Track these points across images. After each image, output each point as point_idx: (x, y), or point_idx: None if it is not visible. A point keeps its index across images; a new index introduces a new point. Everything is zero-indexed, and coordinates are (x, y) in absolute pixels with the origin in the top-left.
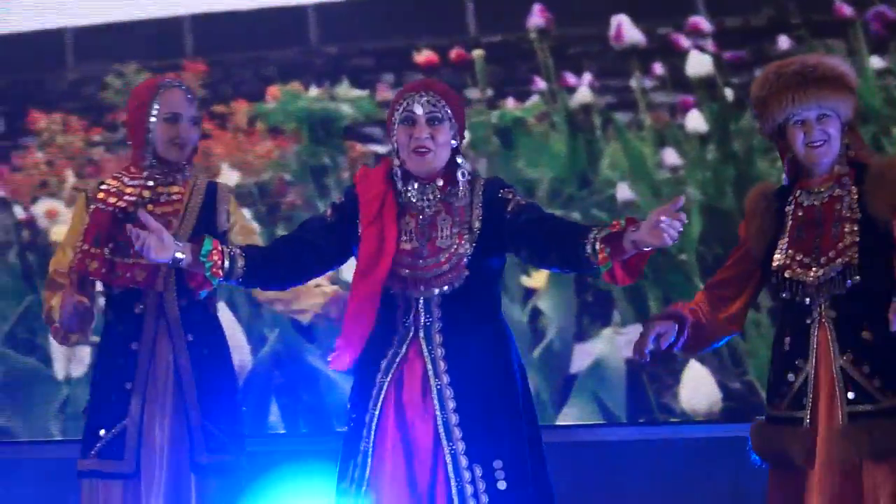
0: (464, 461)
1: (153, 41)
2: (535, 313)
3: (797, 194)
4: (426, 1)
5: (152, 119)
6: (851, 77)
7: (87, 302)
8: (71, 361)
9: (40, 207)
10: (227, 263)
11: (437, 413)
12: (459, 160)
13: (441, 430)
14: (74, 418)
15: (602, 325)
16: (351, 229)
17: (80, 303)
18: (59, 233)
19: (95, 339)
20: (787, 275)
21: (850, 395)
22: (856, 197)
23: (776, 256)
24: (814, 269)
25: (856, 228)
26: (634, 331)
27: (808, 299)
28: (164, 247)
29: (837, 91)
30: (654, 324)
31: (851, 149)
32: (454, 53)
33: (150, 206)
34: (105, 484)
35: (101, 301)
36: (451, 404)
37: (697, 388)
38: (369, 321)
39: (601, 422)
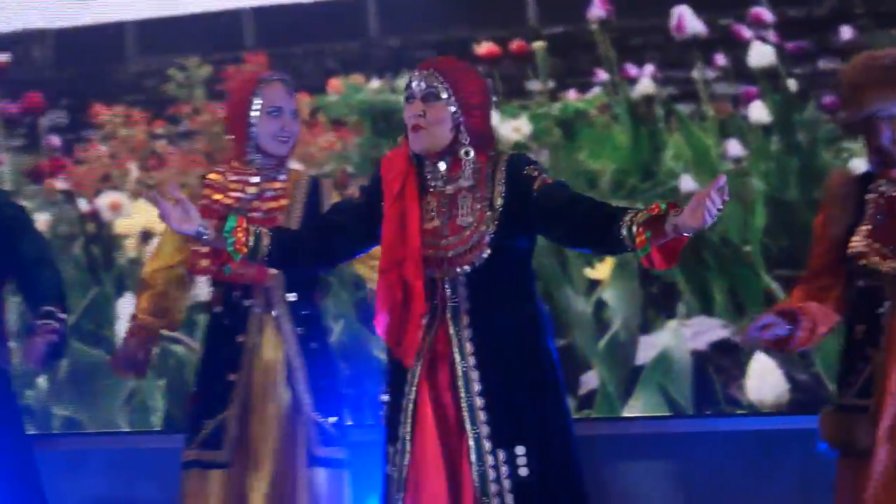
0: (486, 445)
1: (214, 34)
2: (600, 305)
3: (880, 184)
4: None
5: (254, 114)
6: None
7: (142, 356)
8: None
9: (104, 200)
10: (251, 241)
11: (462, 396)
12: (463, 139)
13: (465, 413)
14: (140, 410)
15: (667, 317)
16: (378, 210)
17: (136, 356)
18: (122, 225)
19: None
20: (862, 262)
21: None
22: None
23: (854, 242)
24: (889, 259)
25: None
26: (699, 323)
27: (882, 289)
28: (188, 218)
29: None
30: (764, 315)
31: None
32: (515, 45)
33: (255, 203)
34: (205, 473)
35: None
36: (476, 387)
37: (764, 379)
38: (397, 302)
39: (667, 414)
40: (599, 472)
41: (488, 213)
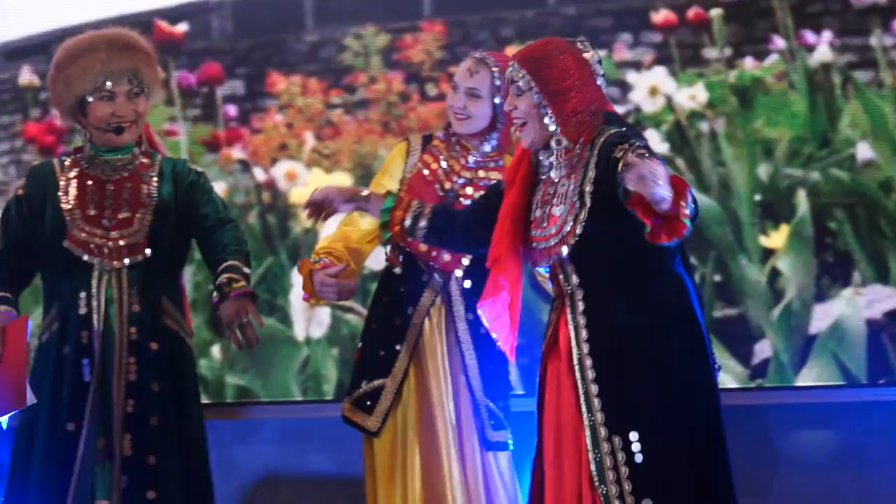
0: (602, 432)
1: (392, 2)
2: (774, 274)
3: None
4: None
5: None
6: None
7: (353, 280)
8: (311, 323)
9: (280, 169)
10: (408, 222)
11: (579, 383)
12: (551, 127)
13: (582, 400)
14: (314, 378)
15: (842, 286)
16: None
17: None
18: (298, 195)
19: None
20: None
21: None
22: None
23: None
24: None
25: None
26: (874, 291)
27: None
28: (343, 194)
29: None
30: None
31: None
32: (692, 13)
33: (467, 189)
34: (374, 443)
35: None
36: (590, 374)
37: None
38: (498, 294)
39: (841, 383)
40: (773, 443)
41: (576, 201)
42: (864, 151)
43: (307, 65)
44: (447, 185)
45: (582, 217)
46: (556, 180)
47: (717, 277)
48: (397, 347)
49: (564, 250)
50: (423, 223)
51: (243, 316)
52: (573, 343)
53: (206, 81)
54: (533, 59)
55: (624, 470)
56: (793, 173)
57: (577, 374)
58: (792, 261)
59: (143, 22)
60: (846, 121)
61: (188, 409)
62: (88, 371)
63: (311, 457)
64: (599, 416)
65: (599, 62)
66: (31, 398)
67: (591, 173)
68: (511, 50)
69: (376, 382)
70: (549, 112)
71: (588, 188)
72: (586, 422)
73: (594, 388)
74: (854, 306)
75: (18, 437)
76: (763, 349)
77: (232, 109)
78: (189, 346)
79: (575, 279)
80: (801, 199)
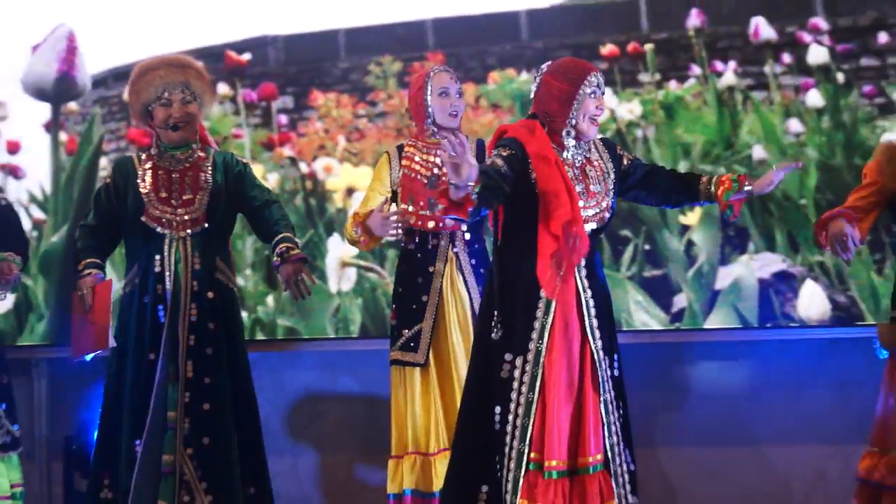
0: (601, 354)
1: (404, 38)
2: (689, 244)
3: None
4: (609, 6)
5: (428, 97)
6: None
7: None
8: (341, 279)
9: (319, 164)
10: (476, 189)
11: (586, 320)
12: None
13: (588, 331)
14: (343, 321)
15: (740, 253)
16: (525, 169)
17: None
18: (332, 183)
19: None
20: None
21: None
22: None
23: None
24: None
25: None
26: (764, 258)
27: None
28: (465, 168)
29: None
30: (845, 232)
31: None
32: (630, 47)
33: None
34: (405, 370)
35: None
36: (594, 312)
37: (812, 300)
38: (559, 251)
39: (738, 326)
40: (687, 371)
41: (610, 183)
42: (758, 152)
43: (340, 85)
44: (427, 174)
45: (612, 197)
46: (581, 164)
47: (647, 247)
48: (424, 298)
49: (601, 223)
50: (477, 190)
51: (299, 275)
52: (581, 289)
53: (264, 97)
54: (559, 69)
55: (610, 382)
56: (705, 168)
57: (585, 313)
58: (702, 234)
59: (216, 52)
60: (745, 129)
61: (236, 342)
62: (162, 314)
63: (340, 379)
64: (599, 343)
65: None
66: (111, 342)
67: (610, 164)
68: (494, 75)
69: (415, 328)
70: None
71: (612, 176)
72: (592, 347)
73: (595, 322)
74: (749, 269)
75: (110, 366)
76: (680, 300)
77: (283, 118)
78: (236, 295)
79: (592, 250)
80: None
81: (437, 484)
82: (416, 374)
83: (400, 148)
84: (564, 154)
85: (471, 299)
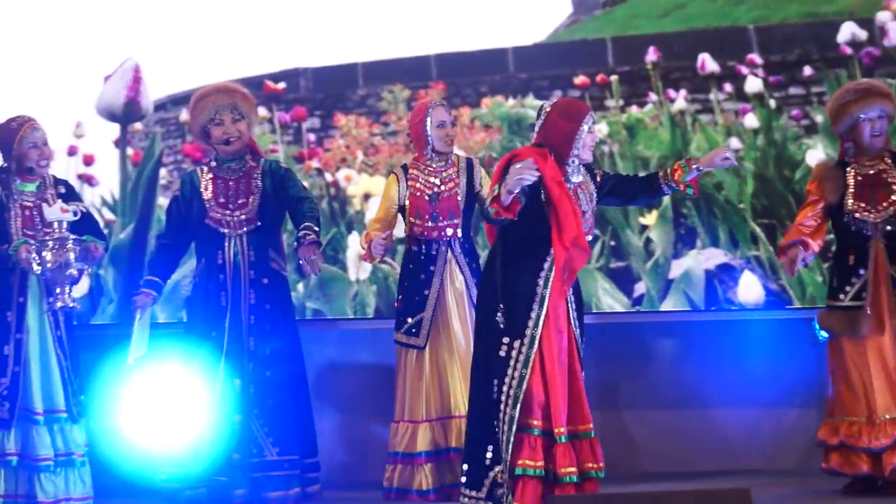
0: (580, 339)
1: (411, 70)
2: (648, 240)
3: (856, 166)
4: (581, 44)
5: (428, 129)
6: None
7: (391, 242)
8: (359, 269)
9: (341, 174)
10: (503, 201)
11: (570, 312)
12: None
13: (571, 320)
14: (360, 304)
15: (689, 249)
16: (537, 193)
17: (386, 241)
18: (352, 190)
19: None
20: (856, 216)
21: None
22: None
23: (848, 203)
24: (872, 213)
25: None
26: (709, 252)
27: (868, 231)
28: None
29: (890, 101)
30: (798, 255)
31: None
32: (599, 77)
33: (442, 187)
34: (409, 351)
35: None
36: (574, 305)
37: (749, 287)
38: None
39: (688, 309)
40: (646, 348)
41: (594, 203)
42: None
43: (358, 109)
44: (429, 192)
45: (592, 214)
46: (573, 186)
47: (612, 243)
48: (425, 292)
49: (590, 236)
50: (510, 199)
51: (312, 255)
52: (569, 295)
53: (296, 119)
54: (564, 108)
55: (583, 351)
56: (671, 187)
57: (569, 306)
58: (658, 232)
59: (256, 82)
60: (694, 146)
61: (289, 319)
62: (224, 299)
63: (357, 353)
64: (577, 331)
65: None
66: (132, 357)
67: (592, 185)
68: (486, 100)
69: (418, 317)
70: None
71: (595, 196)
72: (575, 332)
73: (576, 314)
74: (697, 261)
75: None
76: (640, 288)
77: (311, 136)
78: (286, 279)
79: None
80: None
81: (421, 447)
82: (414, 354)
83: (405, 168)
84: (569, 179)
85: (468, 291)
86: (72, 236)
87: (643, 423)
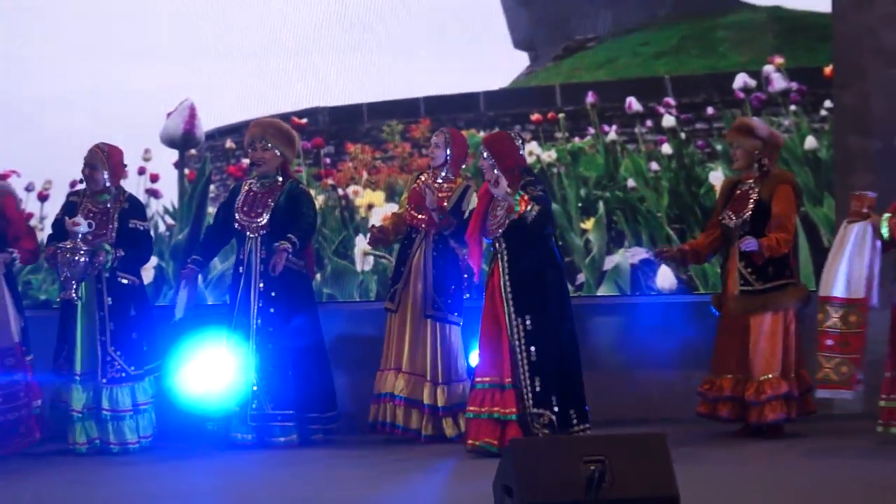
0: (513, 315)
1: (404, 109)
2: (587, 241)
3: (740, 185)
4: (535, 89)
5: (459, 160)
6: (756, 127)
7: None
8: (364, 263)
9: (350, 189)
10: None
11: (504, 293)
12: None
13: (505, 299)
14: (364, 290)
15: (619, 247)
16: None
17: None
18: (358, 202)
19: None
20: (724, 220)
21: (742, 281)
22: (757, 187)
23: (723, 214)
24: (734, 218)
25: (751, 203)
26: (634, 251)
27: (730, 233)
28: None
29: (742, 135)
30: (670, 258)
31: (765, 164)
32: (550, 115)
33: (441, 194)
34: (388, 315)
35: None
36: (509, 287)
37: (664, 277)
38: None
39: (617, 294)
40: (586, 324)
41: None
42: (631, 183)
43: (364, 139)
44: (428, 192)
45: (508, 218)
46: (500, 199)
47: (560, 242)
48: (401, 269)
49: (500, 231)
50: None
51: (277, 259)
52: (502, 274)
53: (315, 146)
54: (491, 142)
55: (522, 333)
56: (597, 194)
57: (503, 290)
58: (595, 235)
59: (285, 117)
60: (622, 168)
61: (299, 305)
62: (240, 287)
63: (362, 326)
64: (512, 307)
65: (522, 143)
66: (178, 315)
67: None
68: (463, 132)
69: (394, 288)
70: (498, 166)
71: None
72: (505, 308)
73: (510, 293)
74: (624, 257)
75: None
76: (580, 278)
77: (327, 160)
78: (299, 274)
79: (503, 246)
80: (601, 206)
81: (394, 390)
82: (391, 317)
83: (419, 174)
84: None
85: (424, 274)
86: (83, 247)
87: (585, 383)
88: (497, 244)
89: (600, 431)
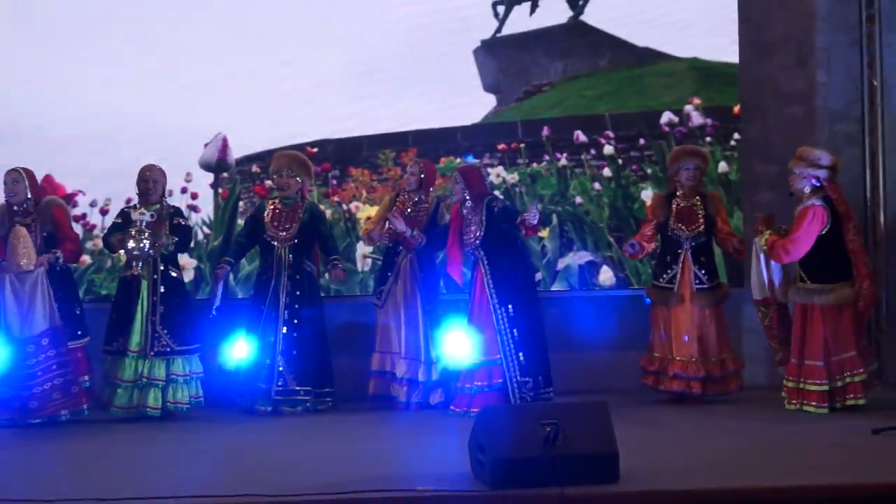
0: (496, 304)
1: (395, 140)
2: (543, 247)
3: (677, 200)
4: (501, 125)
5: (430, 187)
6: (706, 154)
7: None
8: (363, 264)
9: (352, 205)
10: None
11: (488, 288)
12: (470, 196)
13: (487, 290)
14: (364, 286)
15: (569, 251)
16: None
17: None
18: (360, 215)
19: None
20: (675, 232)
21: (696, 280)
22: (701, 204)
23: (671, 223)
24: (686, 231)
25: (702, 217)
26: (581, 254)
27: (682, 242)
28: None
29: (700, 159)
30: (637, 250)
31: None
32: (513, 145)
33: (415, 211)
34: (378, 309)
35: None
36: (492, 284)
37: (605, 275)
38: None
39: (566, 289)
40: (543, 313)
41: (480, 224)
42: (578, 200)
43: (363, 164)
44: (406, 212)
45: (482, 231)
46: (470, 217)
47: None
48: (388, 274)
49: (476, 243)
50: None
51: (338, 276)
52: (484, 274)
53: (324, 170)
54: (465, 172)
55: (506, 318)
56: (551, 208)
57: (487, 286)
58: (550, 242)
59: (300, 147)
60: (572, 187)
61: (314, 300)
62: (270, 286)
63: (361, 316)
64: (496, 298)
65: (487, 174)
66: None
67: (485, 214)
68: (443, 159)
69: (381, 288)
70: (468, 191)
71: (483, 219)
72: (489, 299)
73: (493, 288)
74: (573, 259)
75: (251, 312)
76: (538, 276)
77: (334, 181)
78: (314, 275)
79: (482, 253)
80: (554, 218)
81: (384, 367)
82: (379, 311)
83: (396, 195)
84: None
85: (412, 276)
86: (146, 231)
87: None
88: (477, 252)
89: (558, 399)
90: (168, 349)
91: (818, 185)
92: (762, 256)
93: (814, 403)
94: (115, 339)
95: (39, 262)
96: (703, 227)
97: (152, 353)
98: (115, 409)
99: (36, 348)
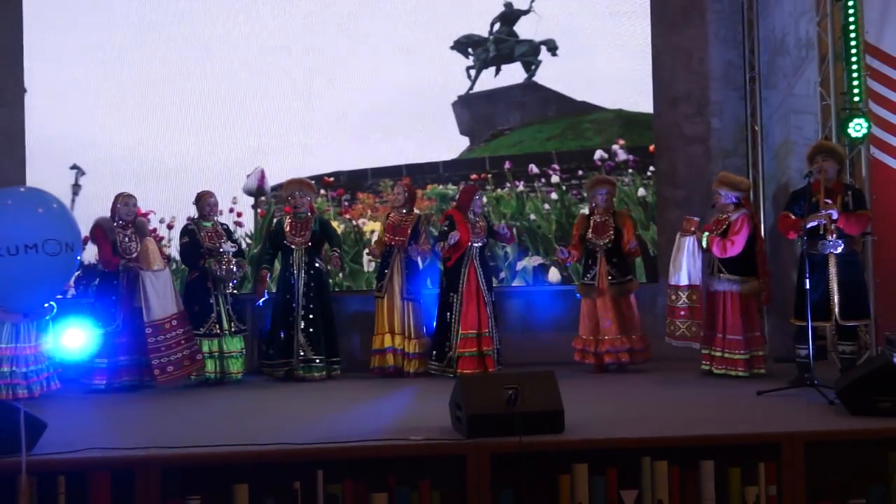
0: (486, 294)
1: (392, 171)
2: (506, 253)
3: (594, 217)
4: (472, 160)
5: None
6: (614, 182)
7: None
8: (369, 265)
9: (360, 221)
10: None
11: (480, 282)
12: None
13: (482, 284)
14: (369, 282)
15: (526, 256)
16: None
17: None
18: (366, 229)
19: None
20: (593, 240)
21: (609, 276)
22: (612, 220)
23: (589, 235)
24: (600, 240)
25: (612, 230)
26: (534, 258)
27: (598, 249)
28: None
29: (610, 185)
30: (566, 256)
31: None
32: (483, 175)
33: (400, 227)
34: (377, 300)
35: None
36: (483, 280)
37: (553, 275)
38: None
39: (524, 284)
40: (505, 303)
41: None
42: (533, 216)
43: (368, 190)
44: (394, 223)
45: (484, 234)
46: (473, 221)
47: (489, 253)
48: (385, 271)
49: (479, 242)
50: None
51: (335, 262)
52: (476, 267)
53: (338, 195)
54: (463, 190)
55: (490, 302)
56: (512, 223)
57: (478, 277)
58: (511, 248)
59: (319, 177)
60: (527, 207)
61: (325, 292)
62: (292, 281)
63: (367, 306)
64: (485, 290)
65: (480, 195)
66: (264, 297)
67: (484, 223)
68: (429, 186)
69: (380, 283)
70: (471, 206)
71: (485, 225)
72: (482, 292)
73: (483, 279)
74: (529, 262)
75: (275, 304)
76: (501, 275)
77: (346, 203)
78: (324, 272)
79: (476, 250)
80: (514, 231)
81: (383, 344)
82: (379, 301)
83: (389, 214)
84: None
85: (404, 273)
86: (234, 259)
87: (504, 341)
88: (473, 250)
89: (514, 370)
90: (234, 330)
91: (736, 201)
92: (692, 250)
93: (740, 369)
94: (200, 322)
95: (166, 264)
96: (613, 236)
97: (227, 333)
98: (207, 374)
99: (170, 326)
